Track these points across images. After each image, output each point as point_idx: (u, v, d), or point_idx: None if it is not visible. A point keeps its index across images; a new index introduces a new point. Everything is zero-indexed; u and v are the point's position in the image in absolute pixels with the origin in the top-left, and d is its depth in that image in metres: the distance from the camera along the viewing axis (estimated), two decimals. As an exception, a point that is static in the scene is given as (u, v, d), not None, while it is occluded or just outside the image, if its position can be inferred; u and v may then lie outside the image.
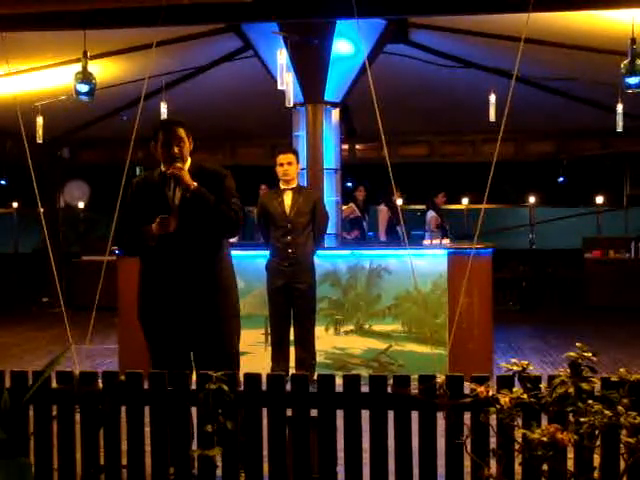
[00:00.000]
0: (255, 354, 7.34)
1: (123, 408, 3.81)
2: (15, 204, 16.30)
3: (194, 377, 3.87)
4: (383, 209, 10.77)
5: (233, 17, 6.47)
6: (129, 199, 4.53)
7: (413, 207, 13.94)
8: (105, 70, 8.04)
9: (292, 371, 6.51)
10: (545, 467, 3.27)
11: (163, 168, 4.44)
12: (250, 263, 7.33)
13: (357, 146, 13.91)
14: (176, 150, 4.36)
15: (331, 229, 7.53)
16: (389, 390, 3.62)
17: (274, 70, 7.33)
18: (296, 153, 6.79)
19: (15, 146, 5.96)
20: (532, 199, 16.01)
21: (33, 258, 13.70)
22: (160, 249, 4.35)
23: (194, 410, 3.72)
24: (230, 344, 4.64)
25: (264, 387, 3.70)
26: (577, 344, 3.37)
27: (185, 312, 4.39)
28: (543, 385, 3.40)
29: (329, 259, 7.22)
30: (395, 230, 10.39)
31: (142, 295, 4.64)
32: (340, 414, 3.66)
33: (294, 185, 6.67)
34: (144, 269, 4.59)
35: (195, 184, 4.30)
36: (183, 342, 4.45)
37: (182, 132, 4.41)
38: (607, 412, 3.17)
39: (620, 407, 3.21)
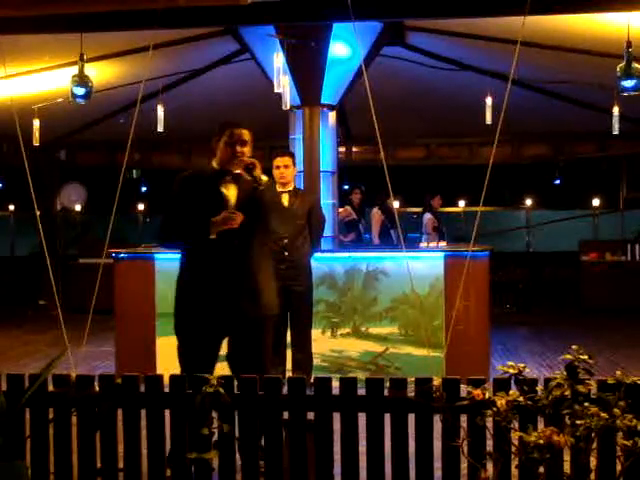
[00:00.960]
0: (252, 357, 7.34)
1: (120, 411, 3.81)
2: (12, 207, 16.28)
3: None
4: (376, 213, 10.78)
5: (230, 20, 6.47)
6: (177, 193, 4.48)
7: (410, 210, 13.97)
8: (102, 73, 8.03)
9: (289, 374, 6.50)
10: (542, 470, 3.27)
11: (216, 165, 4.46)
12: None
13: (354, 149, 13.92)
14: (242, 150, 4.39)
15: (328, 232, 7.53)
16: (386, 393, 3.63)
17: (271, 73, 7.34)
18: (293, 156, 6.79)
19: (12, 149, 5.95)
20: (529, 201, 16.04)
21: (30, 261, 13.68)
22: (217, 244, 4.32)
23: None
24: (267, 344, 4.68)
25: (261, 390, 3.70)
26: (573, 346, 3.37)
27: (235, 308, 4.38)
28: (539, 387, 3.40)
29: (326, 262, 7.22)
30: (388, 233, 10.40)
31: (190, 289, 4.45)
32: (337, 417, 3.66)
33: (291, 188, 6.67)
34: (193, 263, 4.46)
35: (265, 177, 4.35)
36: (220, 337, 4.48)
37: (249, 136, 4.45)
38: (603, 415, 3.18)
39: (616, 410, 3.21)
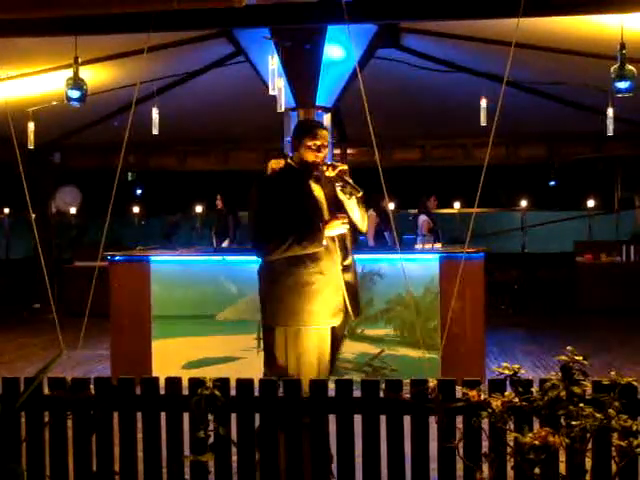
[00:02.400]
0: (248, 359, 7.34)
1: (115, 414, 3.80)
2: (6, 210, 16.26)
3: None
4: (371, 215, 10.78)
5: (224, 22, 6.47)
6: (267, 197, 4.33)
7: (405, 211, 13.96)
8: (96, 76, 8.03)
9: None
10: (537, 470, 3.27)
11: (295, 165, 4.42)
12: (242, 268, 7.35)
13: (349, 150, 13.93)
14: (325, 152, 4.36)
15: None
16: (381, 394, 3.63)
17: (265, 75, 7.34)
18: (287, 158, 6.79)
19: (6, 152, 5.94)
20: (524, 203, 16.05)
21: (25, 264, 13.66)
22: (325, 251, 4.27)
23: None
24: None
25: (257, 392, 3.70)
26: (568, 347, 3.38)
27: (334, 309, 4.33)
28: (535, 388, 3.40)
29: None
30: (383, 235, 10.41)
31: (310, 300, 4.27)
32: (333, 419, 3.67)
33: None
34: (303, 274, 4.27)
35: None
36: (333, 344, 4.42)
37: (326, 135, 4.41)
38: (598, 415, 3.18)
39: (611, 410, 3.22)
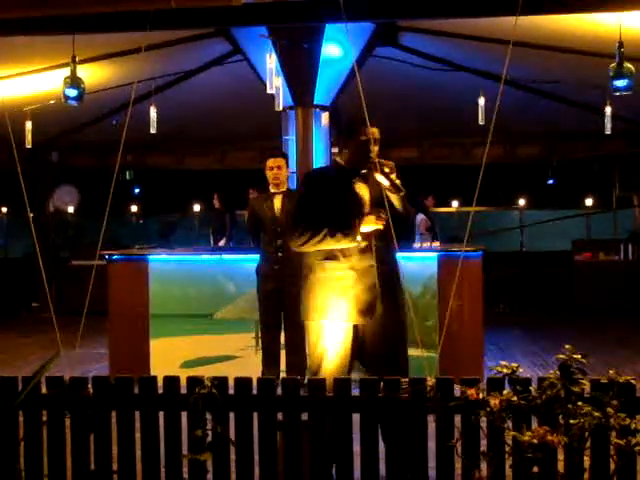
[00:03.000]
0: (246, 358, 7.35)
1: (113, 413, 3.80)
2: (4, 209, 16.25)
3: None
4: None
5: (222, 21, 6.46)
6: (309, 194, 4.37)
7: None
8: (94, 74, 8.02)
9: (283, 375, 6.50)
10: (535, 469, 3.27)
11: (344, 163, 4.38)
12: (240, 267, 7.35)
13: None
14: (375, 149, 4.32)
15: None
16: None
17: (263, 74, 7.34)
18: (286, 157, 6.79)
19: (4, 151, 5.93)
20: (522, 201, 16.05)
21: (23, 263, 13.65)
22: (357, 248, 4.26)
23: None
24: (405, 348, 4.43)
25: (255, 391, 3.70)
26: (567, 346, 3.38)
27: (382, 315, 4.29)
28: (533, 387, 3.40)
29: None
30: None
31: (337, 295, 4.31)
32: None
33: (284, 189, 6.67)
34: (334, 269, 4.31)
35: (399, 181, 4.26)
36: (370, 344, 4.35)
37: (379, 134, 4.38)
38: (597, 414, 3.18)
39: (610, 409, 3.22)
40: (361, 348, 4.36)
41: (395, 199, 4.28)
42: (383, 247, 4.32)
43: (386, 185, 4.24)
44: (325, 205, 4.29)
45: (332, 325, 4.31)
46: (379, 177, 4.25)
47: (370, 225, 4.22)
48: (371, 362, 4.36)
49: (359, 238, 4.21)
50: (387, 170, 4.22)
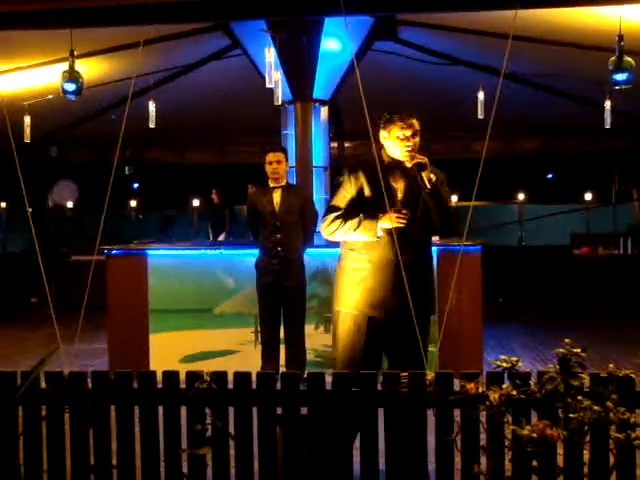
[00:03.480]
0: (245, 352, 7.35)
1: (113, 408, 3.80)
2: (3, 204, 16.24)
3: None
4: None
5: (221, 15, 6.45)
6: (345, 185, 4.41)
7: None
8: (92, 69, 8.01)
9: (282, 369, 6.50)
10: (535, 463, 3.28)
11: (386, 157, 4.37)
12: (239, 261, 7.35)
13: (346, 144, 13.91)
14: (414, 141, 4.29)
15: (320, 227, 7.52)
16: (379, 388, 3.62)
17: (262, 68, 7.32)
18: (285, 151, 6.78)
19: (2, 146, 5.92)
20: (521, 196, 16.05)
21: (22, 258, 13.65)
22: (381, 242, 4.28)
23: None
24: (426, 345, 4.42)
25: (254, 386, 3.69)
26: (566, 340, 3.37)
27: (399, 310, 4.29)
28: (532, 381, 3.40)
29: (319, 257, 7.22)
30: None
31: (354, 286, 4.39)
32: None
33: (283, 183, 6.66)
34: (355, 260, 4.39)
35: (434, 176, 4.22)
36: (389, 338, 4.39)
37: (418, 125, 4.35)
38: (596, 408, 3.18)
39: (609, 403, 3.22)
40: (385, 342, 4.41)
41: (426, 194, 4.25)
42: (417, 244, 4.33)
43: (420, 179, 4.23)
44: (356, 197, 4.35)
45: (347, 315, 4.40)
46: (414, 171, 4.25)
47: (388, 222, 4.22)
48: (394, 359, 4.42)
49: (380, 233, 4.25)
50: (421, 163, 4.21)
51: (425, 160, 4.22)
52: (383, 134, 4.38)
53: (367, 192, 4.34)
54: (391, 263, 4.28)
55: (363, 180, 4.36)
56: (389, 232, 4.25)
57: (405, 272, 4.18)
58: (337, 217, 4.37)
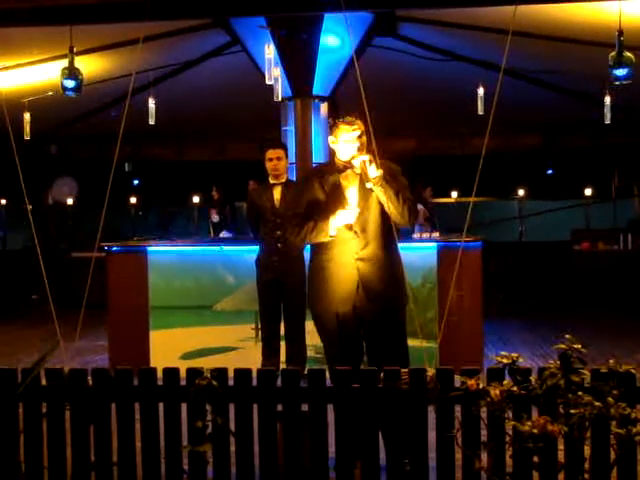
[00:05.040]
0: (245, 349, 7.35)
1: (113, 405, 3.80)
2: (3, 201, 16.23)
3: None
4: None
5: (220, 11, 6.44)
6: (304, 190, 4.55)
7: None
8: (92, 66, 8.00)
9: (283, 366, 6.50)
10: (536, 459, 3.28)
11: (338, 161, 4.47)
12: (240, 258, 7.34)
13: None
14: (362, 141, 4.40)
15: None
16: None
17: (262, 64, 7.32)
18: (285, 148, 6.77)
19: (2, 143, 5.92)
20: (521, 192, 16.04)
21: (22, 255, 13.65)
22: (339, 240, 4.39)
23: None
24: (402, 335, 4.54)
25: (255, 382, 3.69)
26: (566, 336, 3.37)
27: (365, 304, 4.40)
28: (533, 377, 3.40)
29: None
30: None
31: (320, 285, 4.51)
32: (331, 408, 3.66)
33: (283, 180, 6.66)
34: (319, 260, 4.52)
35: (382, 172, 4.31)
36: (358, 332, 4.48)
37: (361, 124, 4.44)
38: (597, 403, 3.18)
39: (610, 398, 3.22)
40: (361, 335, 4.51)
41: (379, 191, 4.35)
42: (374, 239, 4.41)
43: (364, 174, 4.35)
44: (312, 202, 4.48)
45: (319, 314, 4.52)
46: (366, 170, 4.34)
47: (340, 218, 4.34)
48: (369, 351, 4.53)
49: (333, 233, 4.36)
50: (365, 162, 4.30)
51: (370, 156, 4.32)
52: (331, 139, 4.51)
53: (321, 196, 4.46)
54: (350, 260, 4.40)
55: (316, 185, 4.49)
56: (348, 228, 4.37)
57: (366, 267, 4.37)
58: (297, 224, 4.50)
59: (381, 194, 4.35)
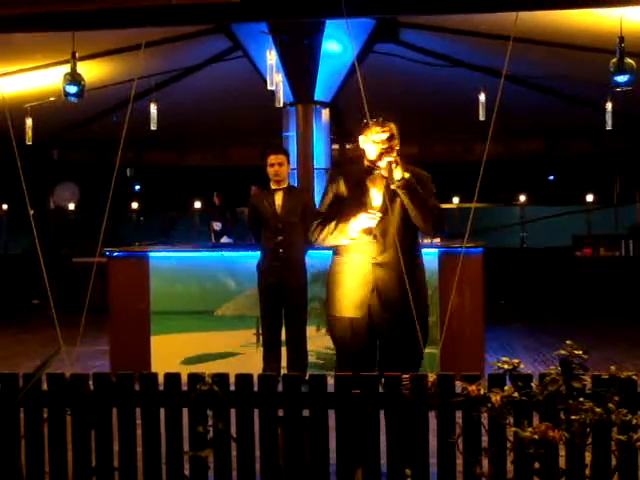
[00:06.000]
0: (247, 354, 7.34)
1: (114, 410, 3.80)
2: (5, 206, 16.25)
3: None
4: None
5: (222, 17, 6.45)
6: (330, 190, 4.53)
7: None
8: (94, 71, 8.01)
9: (283, 371, 6.50)
10: (537, 465, 3.27)
11: (366, 161, 4.45)
12: (241, 263, 7.35)
13: (347, 146, 13.91)
14: (392, 144, 4.38)
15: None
16: (380, 390, 3.62)
17: (264, 70, 7.33)
18: (287, 153, 6.79)
19: (4, 148, 5.92)
20: (523, 198, 16.03)
21: (24, 260, 13.65)
22: (357, 243, 4.37)
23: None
24: (414, 347, 4.37)
25: (256, 388, 3.69)
26: (568, 342, 3.37)
27: (381, 310, 4.36)
28: (534, 383, 3.40)
29: (320, 259, 7.21)
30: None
31: (336, 289, 4.49)
32: (332, 414, 3.66)
33: (285, 185, 6.67)
34: (337, 263, 4.51)
35: (407, 175, 4.29)
36: (375, 338, 4.44)
37: (393, 127, 4.44)
38: (598, 410, 3.18)
39: (611, 404, 3.21)
40: (374, 341, 4.46)
41: (403, 195, 4.31)
42: (394, 244, 4.34)
43: (390, 178, 4.30)
44: (337, 202, 4.46)
45: (334, 318, 4.48)
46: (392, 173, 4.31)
47: (359, 221, 4.31)
48: (380, 361, 4.46)
49: (353, 235, 4.33)
50: (391, 163, 4.28)
51: (396, 159, 4.30)
52: (361, 139, 4.48)
53: (346, 196, 4.44)
54: (368, 264, 4.36)
55: (342, 185, 4.47)
56: (367, 232, 4.34)
57: (382, 273, 4.31)
58: (319, 223, 4.48)
59: (405, 198, 4.31)
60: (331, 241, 4.44)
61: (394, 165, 4.27)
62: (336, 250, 4.52)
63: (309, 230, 4.60)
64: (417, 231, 4.52)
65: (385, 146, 4.36)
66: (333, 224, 4.38)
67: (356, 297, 4.38)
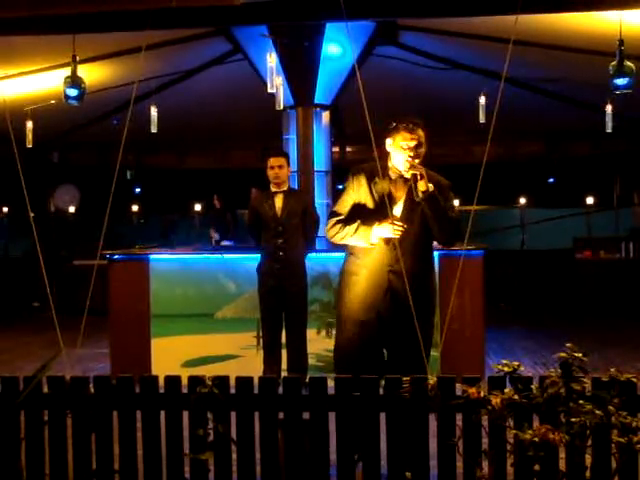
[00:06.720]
0: (247, 357, 7.34)
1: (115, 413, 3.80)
2: (5, 208, 16.25)
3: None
4: None
5: (222, 20, 6.46)
6: (352, 188, 4.45)
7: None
8: (95, 74, 8.02)
9: (284, 374, 6.50)
10: (537, 467, 3.27)
11: (390, 165, 4.39)
12: (241, 266, 7.35)
13: (347, 148, 13.93)
14: (419, 152, 4.29)
15: (322, 231, 7.53)
16: (381, 392, 3.62)
17: (264, 73, 7.34)
18: (287, 156, 6.79)
19: (5, 150, 5.92)
20: (523, 200, 16.03)
21: (24, 262, 13.65)
22: (375, 249, 4.34)
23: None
24: (429, 349, 4.42)
25: (256, 390, 3.69)
26: (568, 344, 3.37)
27: (392, 315, 4.35)
28: (534, 385, 3.40)
29: (320, 261, 7.22)
30: None
31: (349, 290, 4.46)
32: (332, 416, 3.66)
33: (285, 188, 6.67)
34: (352, 264, 4.48)
35: (432, 187, 4.22)
36: (381, 343, 4.45)
37: (422, 134, 4.32)
38: (598, 412, 3.18)
39: (611, 407, 3.22)
40: (382, 345, 4.47)
41: (425, 207, 4.28)
42: (411, 252, 4.33)
43: (414, 189, 4.27)
44: (358, 202, 4.41)
45: (344, 318, 4.46)
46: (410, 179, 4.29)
47: (383, 230, 4.28)
48: (389, 362, 4.47)
49: (375, 240, 4.31)
50: (417, 174, 4.22)
51: (422, 171, 4.23)
52: (388, 142, 4.40)
53: (368, 198, 4.39)
54: (384, 269, 4.34)
55: (365, 185, 4.41)
56: (386, 240, 4.31)
57: (397, 280, 4.25)
58: (339, 221, 4.44)
59: (428, 210, 4.27)
60: (349, 242, 4.42)
61: (419, 177, 4.21)
62: (351, 250, 4.48)
63: (326, 225, 4.53)
64: (432, 240, 4.50)
65: (412, 154, 4.27)
66: (354, 226, 4.34)
67: (368, 300, 4.36)
